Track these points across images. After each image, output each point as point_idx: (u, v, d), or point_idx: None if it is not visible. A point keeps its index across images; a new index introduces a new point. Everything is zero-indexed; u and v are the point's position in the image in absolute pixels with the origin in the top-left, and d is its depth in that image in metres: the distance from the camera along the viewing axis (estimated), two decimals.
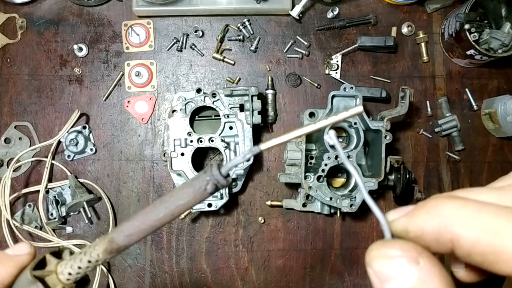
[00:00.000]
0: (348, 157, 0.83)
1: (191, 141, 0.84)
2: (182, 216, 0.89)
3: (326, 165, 0.82)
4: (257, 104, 0.85)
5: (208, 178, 0.29)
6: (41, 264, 0.32)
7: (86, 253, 0.31)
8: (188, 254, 0.93)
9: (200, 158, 0.92)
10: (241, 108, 0.85)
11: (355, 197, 0.82)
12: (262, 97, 0.89)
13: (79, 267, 0.31)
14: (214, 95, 0.85)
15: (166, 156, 0.84)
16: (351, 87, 0.84)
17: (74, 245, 0.90)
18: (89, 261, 0.31)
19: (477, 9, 0.88)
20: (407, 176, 0.85)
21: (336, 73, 0.95)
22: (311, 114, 0.85)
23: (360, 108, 0.29)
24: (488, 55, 0.85)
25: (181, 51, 0.96)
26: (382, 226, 0.27)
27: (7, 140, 0.93)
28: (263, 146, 0.29)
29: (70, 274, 0.31)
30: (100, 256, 0.31)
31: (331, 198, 0.82)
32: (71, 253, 0.33)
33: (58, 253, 0.33)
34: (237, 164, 0.30)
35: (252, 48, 0.95)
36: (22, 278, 0.32)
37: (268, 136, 0.95)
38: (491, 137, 0.96)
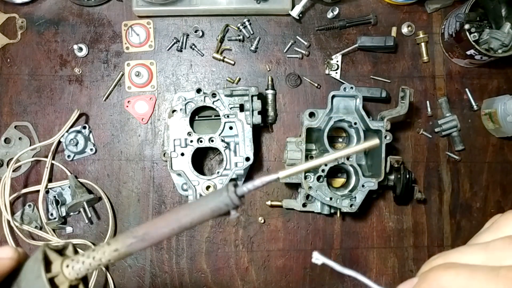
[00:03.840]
0: (348, 157, 0.83)
1: (191, 141, 0.84)
2: None
3: (326, 165, 0.82)
4: (257, 104, 0.85)
5: (227, 204, 0.30)
6: (46, 260, 0.32)
7: (94, 258, 0.31)
8: (188, 254, 0.93)
9: (200, 158, 0.93)
10: (241, 108, 0.85)
11: (355, 197, 0.82)
12: (262, 97, 0.89)
13: (87, 268, 0.32)
14: (214, 95, 0.85)
15: (166, 156, 0.85)
16: (351, 87, 0.84)
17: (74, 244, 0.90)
18: (98, 264, 0.32)
19: (477, 9, 0.88)
20: (407, 176, 0.85)
21: (336, 73, 0.95)
22: (311, 114, 0.85)
23: (377, 141, 0.31)
24: (488, 55, 0.85)
25: (181, 51, 0.96)
26: None
27: (7, 140, 0.93)
28: (282, 173, 0.30)
29: (77, 273, 0.32)
30: (110, 261, 0.32)
31: (331, 198, 0.82)
32: (74, 248, 0.34)
33: (59, 249, 0.34)
34: (254, 190, 0.31)
35: (252, 48, 0.95)
36: (34, 281, 0.31)
37: (268, 136, 0.95)
38: (491, 137, 0.96)
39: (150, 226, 0.31)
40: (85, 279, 0.33)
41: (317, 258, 0.30)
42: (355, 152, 0.30)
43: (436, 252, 0.45)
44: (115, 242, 0.31)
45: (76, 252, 0.34)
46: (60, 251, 0.34)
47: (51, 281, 0.31)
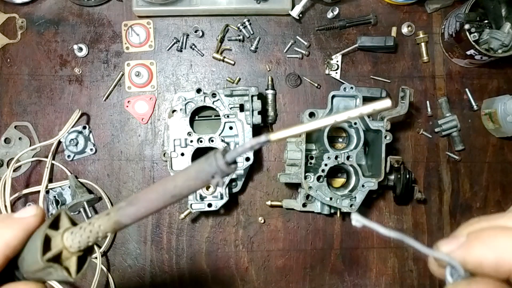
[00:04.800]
0: (348, 157, 0.83)
1: (191, 141, 0.84)
2: (182, 216, 0.89)
3: (326, 165, 0.82)
4: (257, 104, 0.85)
5: (214, 170, 0.28)
6: (46, 239, 0.32)
7: (92, 230, 0.31)
8: (188, 254, 0.93)
9: None
10: (241, 108, 0.85)
11: (355, 197, 0.82)
12: (262, 97, 0.89)
13: (87, 241, 0.31)
14: (214, 95, 0.85)
15: (166, 156, 0.85)
16: (351, 87, 0.84)
17: None
18: (97, 237, 0.31)
19: (477, 9, 0.88)
20: (407, 176, 0.85)
21: (336, 73, 0.95)
22: (311, 114, 0.85)
23: (388, 101, 0.27)
24: (488, 55, 0.85)
25: (181, 51, 0.96)
26: (451, 265, 0.27)
27: (7, 140, 0.93)
28: (272, 136, 0.28)
29: (79, 247, 0.32)
30: (107, 234, 0.31)
31: (331, 198, 0.82)
32: (68, 216, 0.33)
33: (55, 222, 0.33)
34: (243, 153, 0.29)
35: (252, 48, 0.95)
36: (34, 262, 0.31)
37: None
38: (491, 137, 0.96)
39: (138, 193, 0.31)
40: (89, 250, 0.33)
41: (357, 220, 0.28)
42: (362, 113, 0.27)
43: None
44: (108, 210, 0.32)
45: (71, 220, 0.33)
46: (57, 222, 0.33)
47: (54, 259, 0.31)
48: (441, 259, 0.28)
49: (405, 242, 0.28)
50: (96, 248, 0.87)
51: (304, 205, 0.88)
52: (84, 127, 0.93)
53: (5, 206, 0.88)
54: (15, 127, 0.94)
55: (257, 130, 0.92)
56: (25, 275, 0.33)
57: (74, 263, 0.32)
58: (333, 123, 0.27)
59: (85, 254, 0.33)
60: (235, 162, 0.29)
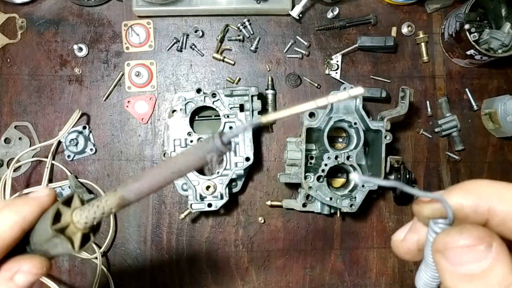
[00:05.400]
0: (348, 157, 0.83)
1: (191, 141, 0.85)
2: (182, 216, 0.89)
3: (326, 165, 0.82)
4: (257, 104, 0.85)
5: (210, 148, 0.31)
6: (57, 215, 0.35)
7: (99, 206, 0.34)
8: (188, 254, 0.93)
9: None
10: (241, 108, 0.85)
11: (355, 197, 0.82)
12: (262, 97, 0.89)
13: (94, 217, 0.34)
14: (214, 95, 0.85)
15: (166, 156, 0.85)
16: (351, 87, 0.84)
17: None
18: (103, 213, 0.34)
19: (477, 9, 0.88)
20: (407, 176, 0.85)
21: (336, 73, 0.95)
22: (311, 114, 0.85)
23: (361, 90, 0.29)
24: (488, 55, 0.85)
25: (181, 51, 0.96)
26: (445, 208, 0.29)
27: (7, 140, 0.93)
28: (264, 118, 0.30)
29: (86, 223, 0.34)
30: (112, 210, 0.34)
31: (331, 198, 0.82)
32: (80, 198, 0.36)
33: (68, 201, 0.36)
34: (238, 134, 0.31)
35: (252, 48, 0.95)
36: (44, 232, 0.34)
37: (268, 136, 0.95)
38: (491, 137, 0.96)
39: (143, 172, 0.33)
40: (95, 228, 0.36)
41: (353, 178, 0.31)
42: (338, 99, 0.30)
43: None
44: (115, 188, 0.34)
45: (82, 202, 0.36)
46: (69, 202, 0.36)
47: (62, 230, 0.34)
48: (434, 198, 0.30)
49: (402, 189, 0.30)
50: (96, 248, 0.87)
51: (304, 205, 0.88)
52: (84, 127, 0.93)
53: None
54: (15, 127, 0.94)
55: (257, 130, 0.92)
56: (33, 247, 0.36)
57: (78, 238, 0.34)
58: (314, 107, 0.30)
59: (89, 233, 0.35)
60: (229, 143, 0.31)
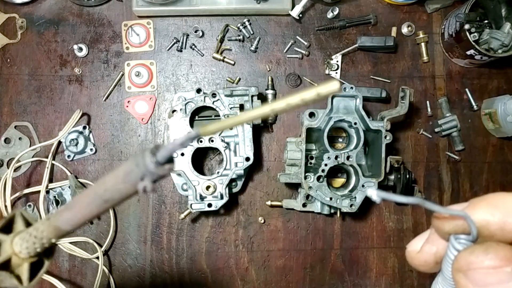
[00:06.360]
0: (348, 157, 0.83)
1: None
2: (182, 216, 0.89)
3: (326, 165, 0.82)
4: (257, 104, 0.85)
5: (142, 172, 0.24)
6: None
7: (36, 236, 0.29)
8: (188, 254, 0.93)
9: (200, 158, 0.93)
10: (241, 108, 0.85)
11: (355, 197, 0.82)
12: (262, 97, 0.89)
13: (35, 247, 0.30)
14: (214, 95, 0.85)
15: None
16: (351, 87, 0.84)
17: (73, 242, 0.90)
18: (42, 243, 0.30)
19: (477, 9, 0.88)
20: (407, 176, 0.85)
21: (336, 73, 0.95)
22: (311, 114, 0.85)
23: (335, 85, 0.24)
24: (488, 55, 0.85)
25: (181, 51, 0.96)
26: (469, 225, 0.27)
27: (7, 140, 0.93)
28: (202, 131, 0.26)
29: (28, 252, 0.30)
30: (52, 240, 0.30)
31: (331, 198, 0.82)
32: (24, 218, 0.31)
33: (9, 224, 0.31)
34: (174, 151, 0.25)
35: (252, 48, 0.95)
36: None
37: (268, 136, 0.95)
38: (491, 137, 0.96)
39: (75, 197, 0.30)
40: (47, 252, 0.31)
41: (378, 195, 0.27)
42: (303, 99, 0.24)
43: None
44: (49, 214, 0.31)
45: (27, 222, 0.31)
46: (10, 225, 0.31)
47: (5, 265, 0.29)
48: (457, 215, 0.27)
49: (423, 206, 0.27)
50: (98, 247, 0.87)
51: (304, 205, 0.88)
52: (84, 127, 0.93)
53: (5, 206, 0.88)
54: (15, 127, 0.94)
55: (257, 130, 0.92)
56: None
57: (26, 270, 0.30)
58: (269, 112, 0.24)
59: (41, 260, 0.30)
60: (170, 161, 0.24)
